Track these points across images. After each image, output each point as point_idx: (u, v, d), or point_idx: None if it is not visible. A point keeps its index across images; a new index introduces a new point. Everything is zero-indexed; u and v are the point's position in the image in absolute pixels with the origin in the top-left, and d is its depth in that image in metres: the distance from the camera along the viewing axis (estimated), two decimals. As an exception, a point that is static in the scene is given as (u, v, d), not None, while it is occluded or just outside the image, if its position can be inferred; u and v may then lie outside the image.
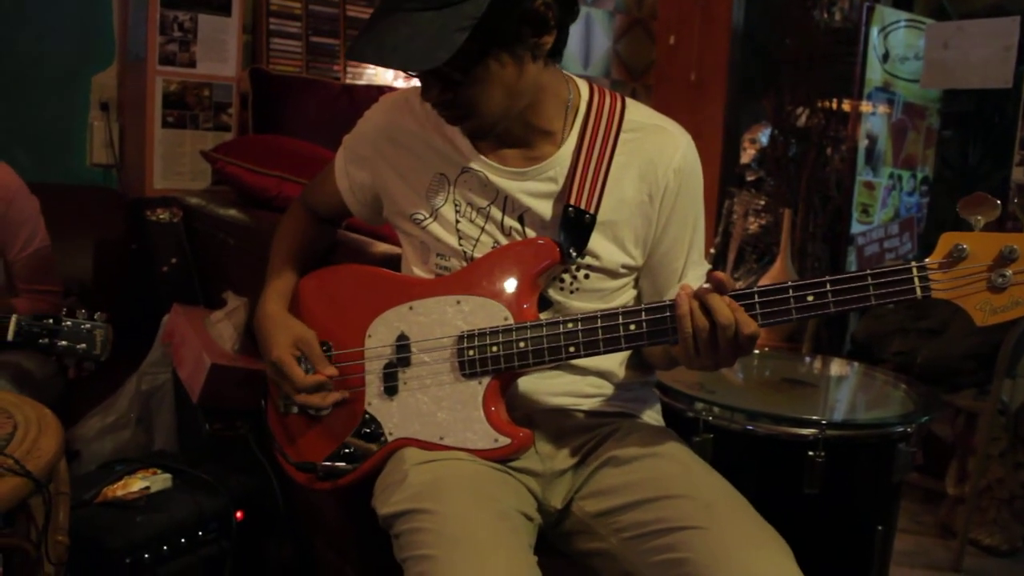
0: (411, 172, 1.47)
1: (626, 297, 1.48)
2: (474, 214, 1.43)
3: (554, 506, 1.40)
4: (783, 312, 1.20)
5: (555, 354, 1.32)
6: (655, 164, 1.40)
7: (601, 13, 4.27)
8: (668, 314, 1.25)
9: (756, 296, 1.21)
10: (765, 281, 3.69)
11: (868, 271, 1.17)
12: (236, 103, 2.99)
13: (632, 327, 1.28)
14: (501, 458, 1.36)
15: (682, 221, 1.44)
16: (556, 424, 1.45)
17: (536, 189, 1.40)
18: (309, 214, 1.70)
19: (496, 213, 1.42)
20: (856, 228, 4.03)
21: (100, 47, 2.93)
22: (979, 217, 1.15)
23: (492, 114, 1.31)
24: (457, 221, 1.44)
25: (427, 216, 1.46)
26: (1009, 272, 1.11)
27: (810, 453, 1.77)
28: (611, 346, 1.30)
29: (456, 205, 1.44)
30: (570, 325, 1.31)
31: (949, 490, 2.98)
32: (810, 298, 1.19)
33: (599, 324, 1.30)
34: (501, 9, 1.20)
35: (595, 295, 1.43)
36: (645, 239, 1.43)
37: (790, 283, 1.20)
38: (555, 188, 1.40)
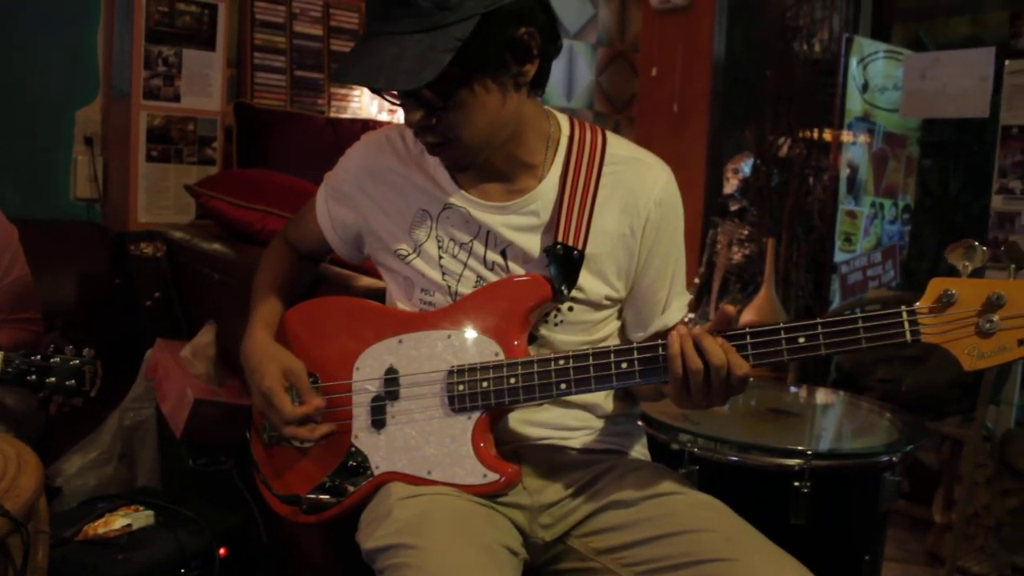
0: (393, 209, 1.48)
1: (610, 328, 1.48)
2: (457, 249, 1.43)
3: (542, 538, 1.39)
4: (774, 353, 1.21)
5: (546, 391, 1.32)
6: (636, 196, 1.41)
7: (584, 46, 4.30)
8: (661, 352, 1.25)
9: (748, 336, 1.21)
10: (750, 310, 3.71)
11: (859, 315, 1.18)
12: (220, 137, 3.00)
13: (624, 365, 1.28)
14: (490, 494, 1.35)
15: (665, 253, 1.45)
16: (544, 459, 1.44)
17: (518, 223, 1.41)
18: (290, 250, 1.70)
19: (479, 248, 1.42)
20: (839, 256, 4.06)
21: (84, 82, 2.94)
22: (967, 263, 1.17)
23: (474, 141, 1.32)
24: (440, 257, 1.44)
25: (410, 252, 1.46)
26: (996, 318, 1.13)
27: (796, 483, 1.77)
28: (603, 384, 1.30)
29: (439, 241, 1.44)
30: (561, 362, 1.31)
31: (936, 518, 2.99)
32: (801, 340, 1.20)
33: (591, 361, 1.29)
34: (486, 34, 1.21)
35: (579, 327, 1.44)
36: (628, 271, 1.44)
37: (782, 324, 1.21)
38: (537, 222, 1.40)
